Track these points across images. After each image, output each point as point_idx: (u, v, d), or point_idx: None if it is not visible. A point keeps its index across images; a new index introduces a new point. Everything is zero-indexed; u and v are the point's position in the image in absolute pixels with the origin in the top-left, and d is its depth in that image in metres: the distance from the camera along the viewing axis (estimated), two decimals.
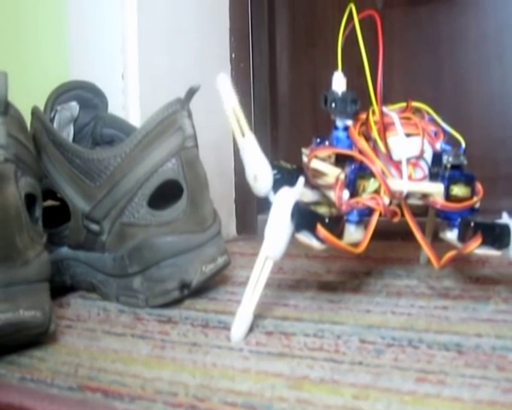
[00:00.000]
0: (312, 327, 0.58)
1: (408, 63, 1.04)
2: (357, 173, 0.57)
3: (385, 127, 0.58)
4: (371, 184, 0.57)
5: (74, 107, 0.73)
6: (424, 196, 0.60)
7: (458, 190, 0.59)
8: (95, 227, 0.68)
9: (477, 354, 0.50)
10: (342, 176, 0.57)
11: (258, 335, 0.57)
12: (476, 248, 0.56)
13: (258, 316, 0.60)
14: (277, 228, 0.55)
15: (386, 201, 0.57)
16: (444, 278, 0.71)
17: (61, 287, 0.72)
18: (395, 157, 0.58)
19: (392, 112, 0.60)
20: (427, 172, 0.60)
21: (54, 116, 0.71)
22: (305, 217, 0.54)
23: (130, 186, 0.65)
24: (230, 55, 1.06)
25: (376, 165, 0.56)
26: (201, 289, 0.69)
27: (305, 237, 0.55)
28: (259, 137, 1.10)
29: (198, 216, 0.66)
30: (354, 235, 0.58)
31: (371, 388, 0.45)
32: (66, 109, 0.72)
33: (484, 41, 0.99)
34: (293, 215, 0.54)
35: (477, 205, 0.60)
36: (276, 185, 0.57)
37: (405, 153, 0.58)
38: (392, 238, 0.88)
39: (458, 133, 0.62)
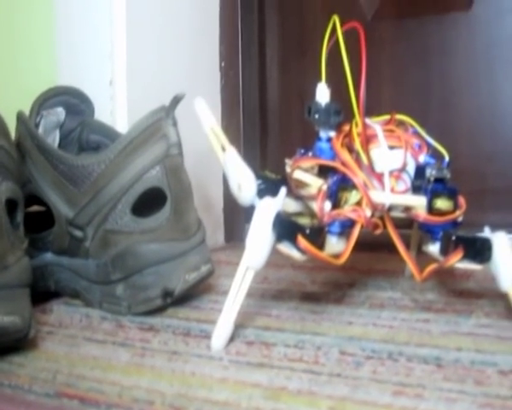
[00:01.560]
0: (293, 338, 0.58)
1: (397, 76, 1.04)
2: (340, 185, 0.57)
3: (368, 139, 0.58)
4: (353, 196, 0.57)
5: (60, 112, 0.73)
6: (407, 208, 0.60)
7: (441, 203, 0.59)
8: (78, 233, 0.68)
9: (456, 368, 0.50)
10: (325, 187, 0.57)
11: (238, 344, 0.57)
12: (457, 261, 0.57)
13: (239, 325, 0.60)
14: (258, 238, 0.55)
15: (368, 213, 0.57)
16: (427, 291, 0.71)
17: (45, 292, 0.72)
18: (378, 169, 0.58)
19: (376, 124, 0.61)
20: (409, 184, 0.60)
21: (39, 121, 0.71)
22: (286, 227, 0.55)
23: (114, 193, 0.65)
24: (220, 64, 1.06)
25: (358, 177, 0.56)
26: (185, 298, 0.69)
27: (286, 248, 0.55)
28: (248, 145, 1.11)
29: (182, 224, 0.66)
30: (336, 246, 0.58)
31: (348, 400, 0.45)
32: (52, 115, 0.72)
33: (473, 55, 1.00)
34: (274, 225, 0.54)
35: (460, 219, 0.61)
36: (261, 195, 0.57)
37: (388, 165, 0.58)
38: (379, 250, 0.88)
39: (442, 147, 0.62)
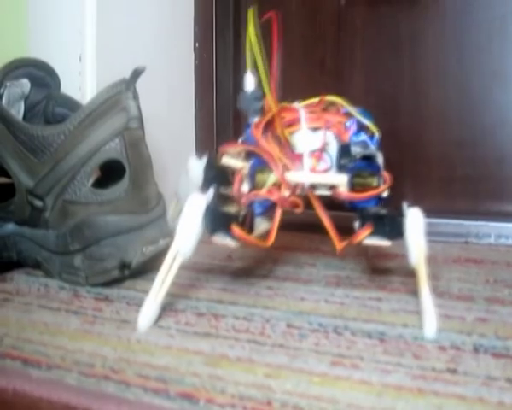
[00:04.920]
0: (244, 311, 0.59)
1: (369, 61, 1.05)
2: (257, 168, 0.59)
3: (292, 122, 0.61)
4: (271, 178, 0.59)
5: (25, 84, 0.73)
6: (332, 187, 0.61)
7: (362, 180, 0.61)
8: (38, 203, 0.68)
9: (398, 343, 0.51)
10: (245, 170, 0.59)
11: (189, 315, 0.58)
12: (366, 237, 0.58)
13: (194, 298, 0.62)
14: (187, 230, 0.56)
15: (286, 193, 0.59)
16: (387, 272, 0.72)
17: (8, 263, 0.73)
18: (299, 150, 0.60)
19: (301, 107, 0.62)
20: (330, 164, 0.61)
21: (3, 92, 0.71)
22: (218, 221, 0.57)
23: (73, 164, 0.66)
24: (194, 45, 1.06)
25: (275, 159, 0.58)
26: (145, 271, 0.70)
27: (219, 238, 0.57)
28: (221, 127, 1.11)
29: (140, 197, 0.66)
30: (260, 227, 0.61)
31: (285, 368, 0.46)
32: (16, 86, 0.72)
33: (443, 42, 1.00)
34: (204, 218, 0.56)
35: (384, 194, 0.61)
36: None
37: (307, 146, 0.60)
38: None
39: (374, 126, 0.63)
